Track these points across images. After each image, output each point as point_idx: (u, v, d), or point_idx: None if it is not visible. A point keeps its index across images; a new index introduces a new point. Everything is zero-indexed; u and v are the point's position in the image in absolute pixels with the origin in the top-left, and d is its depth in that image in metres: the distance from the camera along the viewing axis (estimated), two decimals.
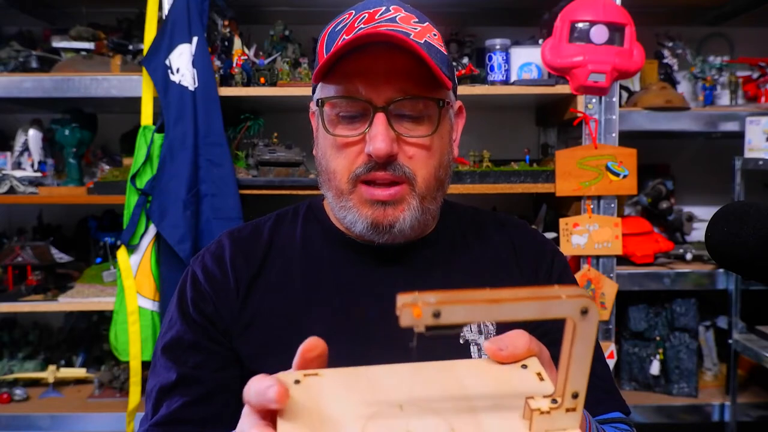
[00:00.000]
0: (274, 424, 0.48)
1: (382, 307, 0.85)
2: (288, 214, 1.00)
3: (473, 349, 0.88)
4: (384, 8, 0.85)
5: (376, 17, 0.83)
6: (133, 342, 1.88)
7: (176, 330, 0.88)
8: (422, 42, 0.83)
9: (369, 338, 0.86)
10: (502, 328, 0.90)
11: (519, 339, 0.55)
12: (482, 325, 0.89)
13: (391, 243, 0.92)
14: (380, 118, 0.82)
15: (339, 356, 0.86)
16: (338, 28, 0.86)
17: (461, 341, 0.88)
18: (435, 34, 0.87)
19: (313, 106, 0.95)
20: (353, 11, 0.87)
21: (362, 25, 0.83)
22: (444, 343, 0.86)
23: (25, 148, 2.23)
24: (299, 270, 0.92)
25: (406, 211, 0.86)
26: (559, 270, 0.98)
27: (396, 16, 0.84)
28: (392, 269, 0.92)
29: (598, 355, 0.95)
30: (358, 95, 0.83)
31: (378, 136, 0.81)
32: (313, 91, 0.92)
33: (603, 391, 0.92)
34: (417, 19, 0.86)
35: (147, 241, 1.90)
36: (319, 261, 0.93)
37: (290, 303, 0.89)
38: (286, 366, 0.86)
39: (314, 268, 0.92)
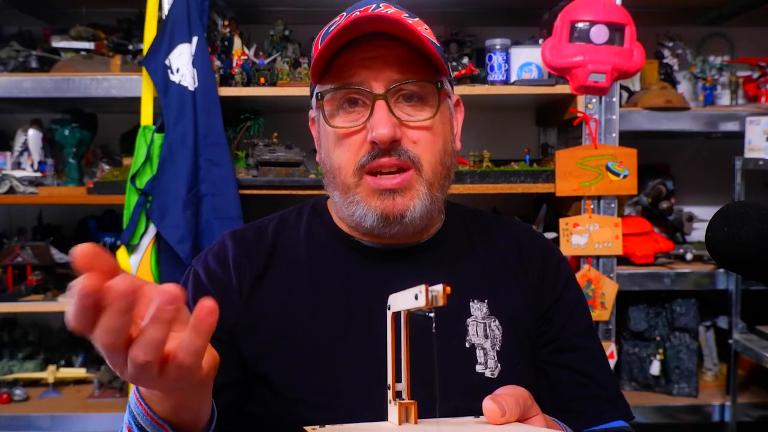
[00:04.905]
0: None
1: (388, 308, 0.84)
2: (292, 215, 0.99)
3: (479, 353, 0.87)
4: (374, 6, 0.86)
5: (368, 13, 0.84)
6: None
7: None
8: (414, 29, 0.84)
9: (375, 339, 0.84)
10: (508, 331, 0.90)
11: (514, 400, 0.64)
12: (488, 329, 0.89)
13: (397, 245, 0.92)
14: (381, 105, 0.83)
15: (345, 357, 0.86)
16: (331, 29, 0.86)
17: (467, 345, 0.88)
18: (426, 28, 0.88)
19: (312, 113, 0.95)
20: (344, 13, 0.88)
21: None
22: (450, 347, 0.86)
23: (25, 148, 2.23)
24: (304, 271, 0.91)
25: (416, 199, 0.85)
26: (565, 277, 0.98)
27: (387, 11, 0.85)
28: (398, 270, 0.91)
29: (600, 364, 0.95)
30: (357, 84, 0.84)
31: (380, 122, 0.82)
32: (311, 96, 0.92)
33: (605, 400, 0.92)
34: (407, 15, 0.87)
35: (147, 241, 1.89)
36: (324, 262, 0.92)
37: (295, 304, 0.88)
38: (291, 366, 0.85)
39: (319, 269, 0.91)
